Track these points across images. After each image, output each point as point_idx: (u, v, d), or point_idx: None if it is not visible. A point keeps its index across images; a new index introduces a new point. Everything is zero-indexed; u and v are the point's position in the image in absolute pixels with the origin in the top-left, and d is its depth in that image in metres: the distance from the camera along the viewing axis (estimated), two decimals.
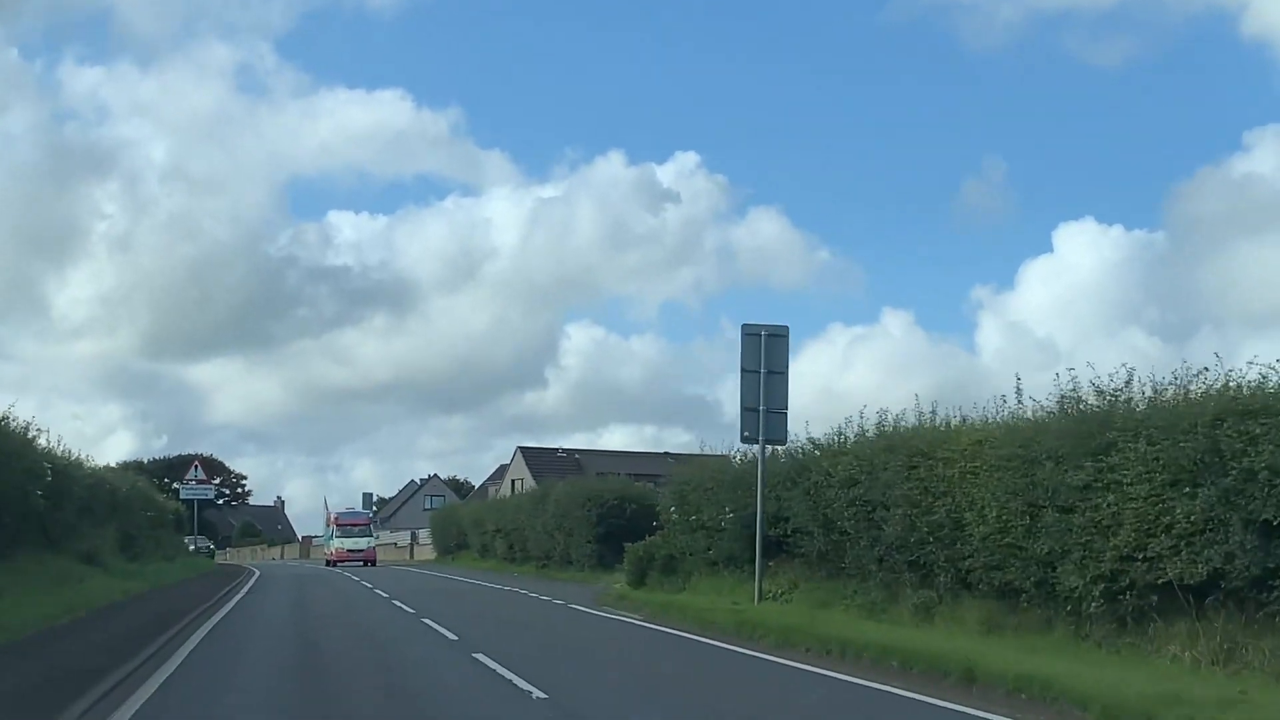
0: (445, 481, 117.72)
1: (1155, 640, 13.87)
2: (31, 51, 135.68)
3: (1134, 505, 14.16)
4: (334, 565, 61.73)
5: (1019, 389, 17.44)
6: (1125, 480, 14.28)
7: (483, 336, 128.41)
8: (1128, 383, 15.44)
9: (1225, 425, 13.07)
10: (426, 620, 22.30)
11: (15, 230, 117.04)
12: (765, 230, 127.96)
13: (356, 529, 68.25)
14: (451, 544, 69.18)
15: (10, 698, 11.79)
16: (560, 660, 16.93)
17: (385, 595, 31.26)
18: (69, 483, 27.39)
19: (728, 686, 14.41)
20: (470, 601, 29.92)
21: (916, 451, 18.68)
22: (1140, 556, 14.04)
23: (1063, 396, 16.22)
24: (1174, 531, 13.65)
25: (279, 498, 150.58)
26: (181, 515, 59.48)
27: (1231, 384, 13.79)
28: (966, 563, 17.29)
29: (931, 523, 17.94)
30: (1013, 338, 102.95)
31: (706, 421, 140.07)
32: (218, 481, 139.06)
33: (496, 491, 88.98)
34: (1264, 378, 13.43)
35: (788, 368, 22.70)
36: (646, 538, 30.63)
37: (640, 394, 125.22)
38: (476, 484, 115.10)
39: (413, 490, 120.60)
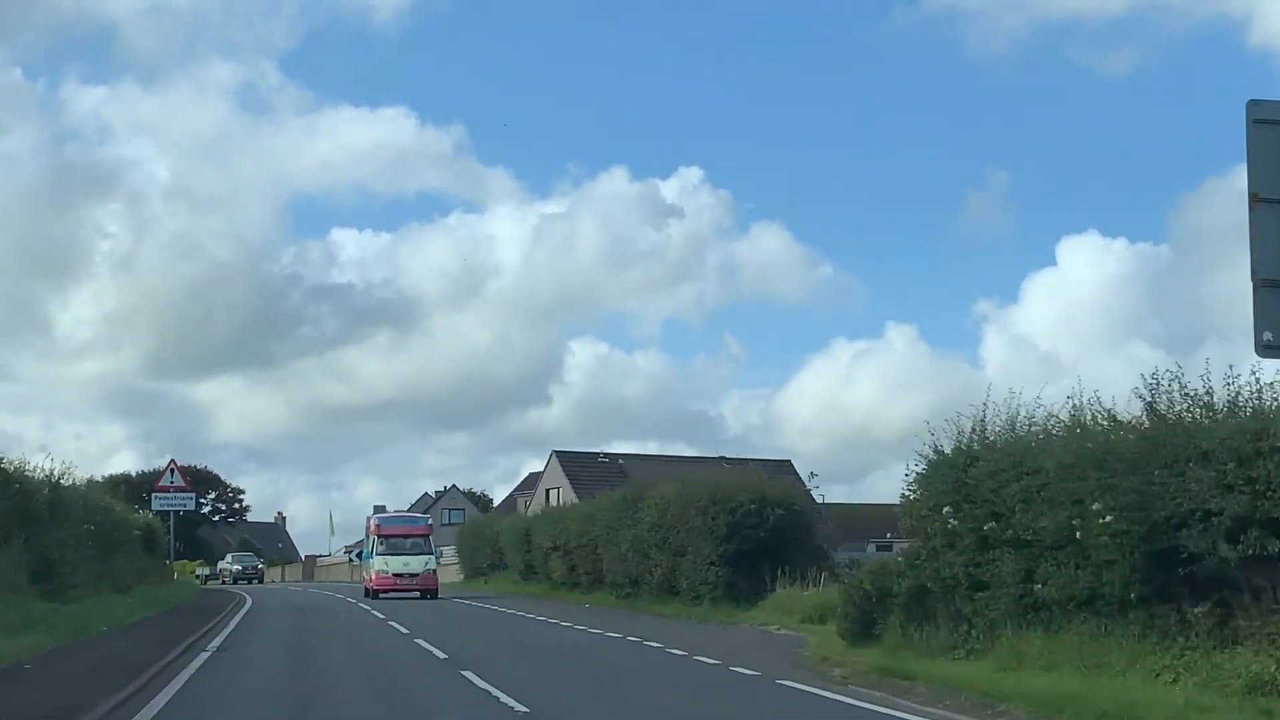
0: (465, 494, 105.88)
1: None
2: (34, 71, 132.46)
3: None
4: (376, 596, 41.97)
5: None
6: None
7: (486, 353, 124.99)
8: None
9: None
10: None
11: (18, 250, 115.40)
12: (768, 245, 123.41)
13: (409, 541, 43.99)
14: (484, 564, 57.59)
15: None
16: None
17: (443, 656, 19.42)
18: None
19: None
20: (604, 670, 18.11)
21: None
22: None
23: None
24: None
25: (279, 513, 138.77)
26: (156, 531, 47.75)
27: None
28: None
29: None
30: (1017, 352, 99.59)
31: (709, 437, 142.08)
32: (212, 496, 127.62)
33: (527, 503, 77.32)
34: None
35: None
36: (824, 566, 18.85)
37: (643, 410, 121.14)
38: (495, 498, 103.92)
39: (427, 504, 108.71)
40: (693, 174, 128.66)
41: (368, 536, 46.17)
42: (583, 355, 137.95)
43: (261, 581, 75.04)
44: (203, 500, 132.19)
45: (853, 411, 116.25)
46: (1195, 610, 12.60)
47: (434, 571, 43.71)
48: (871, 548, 39.13)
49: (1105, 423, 14.19)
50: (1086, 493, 13.69)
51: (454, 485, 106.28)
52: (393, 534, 44.14)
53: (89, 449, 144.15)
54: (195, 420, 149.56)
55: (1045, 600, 14.72)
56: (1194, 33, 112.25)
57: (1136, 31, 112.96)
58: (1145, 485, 12.93)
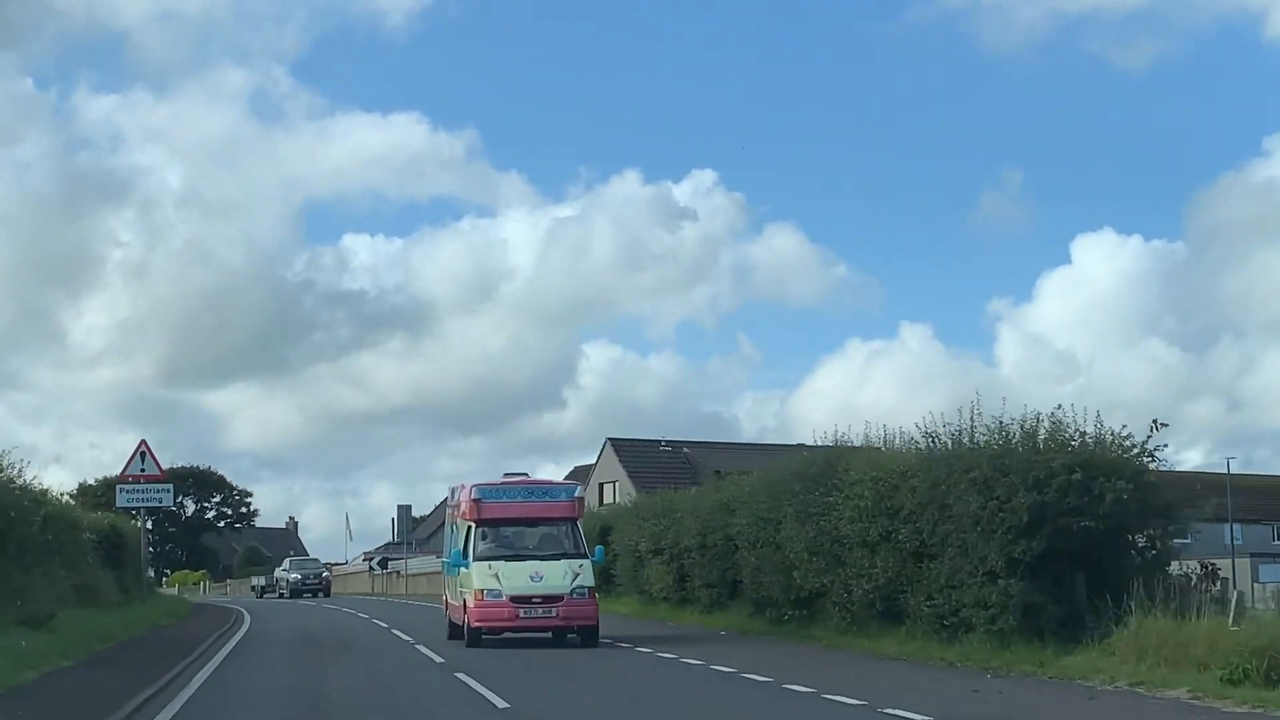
0: None
1: None
2: (45, 80, 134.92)
3: None
4: (478, 638, 22.71)
5: None
6: None
7: (500, 357, 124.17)
8: None
9: None
10: None
11: (31, 259, 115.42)
12: (782, 246, 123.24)
13: (539, 533, 24.17)
14: None
15: None
16: None
17: None
18: None
19: None
20: None
21: None
22: None
23: None
24: None
25: (291, 518, 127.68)
26: (124, 535, 36.75)
27: None
28: None
29: None
30: (1032, 350, 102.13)
31: (724, 439, 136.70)
32: (218, 500, 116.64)
33: None
34: None
35: None
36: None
37: (658, 413, 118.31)
38: None
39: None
40: (706, 176, 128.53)
41: (452, 526, 26.46)
42: (596, 358, 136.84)
43: (328, 594, 61.10)
44: (207, 505, 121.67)
45: (867, 412, 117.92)
46: None
47: (590, 592, 23.17)
48: None
49: None
50: None
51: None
52: (507, 517, 23.80)
53: (103, 458, 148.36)
54: (209, 428, 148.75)
55: None
56: (1214, 24, 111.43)
57: (1156, 23, 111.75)
58: None
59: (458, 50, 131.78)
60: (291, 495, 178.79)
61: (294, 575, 62.43)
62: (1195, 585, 16.74)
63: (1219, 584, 17.89)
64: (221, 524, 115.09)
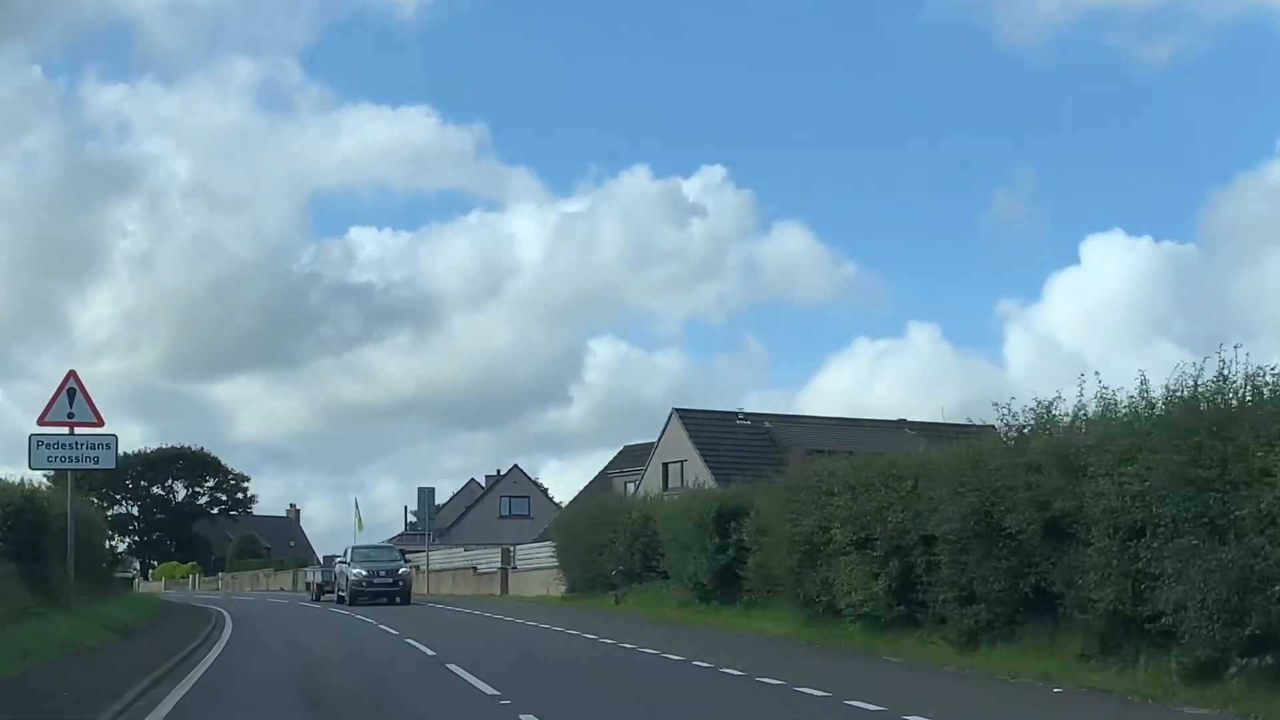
0: (533, 482, 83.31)
1: None
2: (54, 70, 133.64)
3: None
4: None
5: None
6: None
7: (506, 353, 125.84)
8: None
9: None
10: None
11: (37, 249, 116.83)
12: (791, 244, 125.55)
13: None
14: (612, 569, 35.78)
15: None
16: None
17: None
18: None
19: None
20: None
21: None
22: None
23: None
24: None
25: (292, 506, 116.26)
26: (42, 513, 25.36)
27: None
28: None
29: None
30: (1040, 351, 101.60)
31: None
32: (210, 485, 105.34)
33: (635, 484, 55.10)
34: None
35: None
36: None
37: (663, 410, 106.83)
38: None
39: (475, 494, 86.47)
40: (715, 172, 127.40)
41: None
42: (603, 354, 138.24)
43: (406, 599, 40.15)
44: (199, 490, 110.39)
45: (874, 411, 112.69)
46: None
47: None
48: None
49: None
50: None
51: (515, 465, 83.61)
52: None
53: None
54: (214, 421, 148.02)
55: None
56: (1237, 18, 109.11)
57: (1178, 17, 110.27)
58: None
59: (468, 44, 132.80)
60: (295, 490, 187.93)
61: (357, 571, 40.42)
62: None
63: None
64: (215, 511, 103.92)
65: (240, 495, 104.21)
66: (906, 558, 18.67)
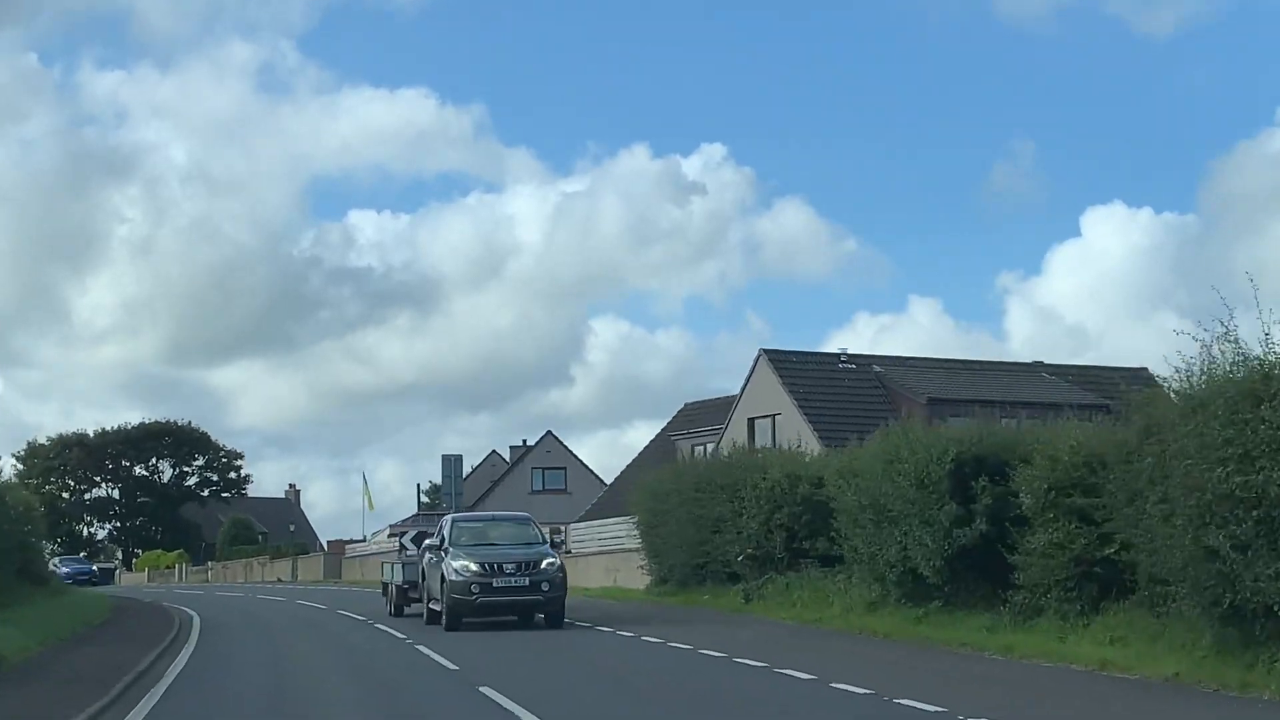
0: (570, 451, 72.73)
1: None
2: (50, 56, 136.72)
3: None
4: None
5: None
6: None
7: (507, 333, 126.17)
8: None
9: None
10: None
11: (36, 236, 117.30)
12: (791, 221, 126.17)
13: None
14: (738, 553, 25.67)
15: None
16: None
17: None
18: None
19: None
20: None
21: None
22: None
23: None
24: None
25: (291, 485, 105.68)
26: None
27: None
28: None
29: None
30: (1042, 324, 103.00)
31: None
32: (200, 464, 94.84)
33: (704, 447, 44.68)
34: None
35: None
36: None
37: (665, 389, 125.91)
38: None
39: (499, 468, 75.93)
40: (715, 150, 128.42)
41: None
42: (604, 334, 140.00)
43: (558, 615, 23.30)
44: (187, 469, 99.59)
45: None
46: None
47: None
48: None
49: None
50: None
51: (549, 432, 72.95)
52: None
53: None
54: (215, 405, 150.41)
55: None
56: None
57: None
58: None
59: (466, 25, 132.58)
60: (298, 474, 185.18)
61: (462, 564, 23.04)
62: None
63: None
64: (205, 493, 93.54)
65: (233, 475, 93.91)
66: None
